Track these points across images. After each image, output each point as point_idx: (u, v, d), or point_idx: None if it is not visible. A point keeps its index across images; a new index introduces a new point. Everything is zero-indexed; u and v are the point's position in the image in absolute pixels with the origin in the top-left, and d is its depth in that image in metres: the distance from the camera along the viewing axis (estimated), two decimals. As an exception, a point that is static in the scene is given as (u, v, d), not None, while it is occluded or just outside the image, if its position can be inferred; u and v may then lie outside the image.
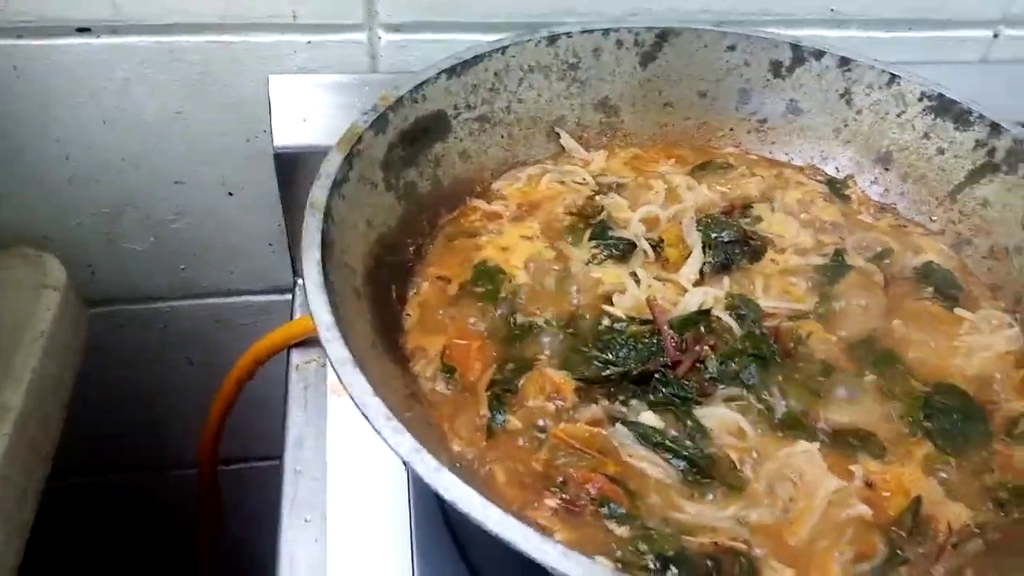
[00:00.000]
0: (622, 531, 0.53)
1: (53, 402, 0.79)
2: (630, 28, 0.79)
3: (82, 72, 0.83)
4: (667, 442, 0.57)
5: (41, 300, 0.81)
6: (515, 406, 0.60)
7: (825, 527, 0.55)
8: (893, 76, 0.79)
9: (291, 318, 0.88)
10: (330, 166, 0.61)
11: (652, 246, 0.72)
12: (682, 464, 0.57)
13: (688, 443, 0.58)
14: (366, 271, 0.62)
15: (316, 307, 0.51)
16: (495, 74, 0.75)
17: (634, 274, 0.69)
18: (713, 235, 0.72)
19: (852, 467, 0.58)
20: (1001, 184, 0.74)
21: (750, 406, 0.61)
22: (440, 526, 0.68)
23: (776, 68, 0.81)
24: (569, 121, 0.81)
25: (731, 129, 0.84)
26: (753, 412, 0.61)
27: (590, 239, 0.72)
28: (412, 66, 0.87)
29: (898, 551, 0.54)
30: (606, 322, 0.65)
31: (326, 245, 0.56)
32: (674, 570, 0.51)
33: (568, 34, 0.77)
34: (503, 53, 0.75)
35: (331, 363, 0.48)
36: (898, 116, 0.79)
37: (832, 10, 0.92)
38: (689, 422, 0.59)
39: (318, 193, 0.59)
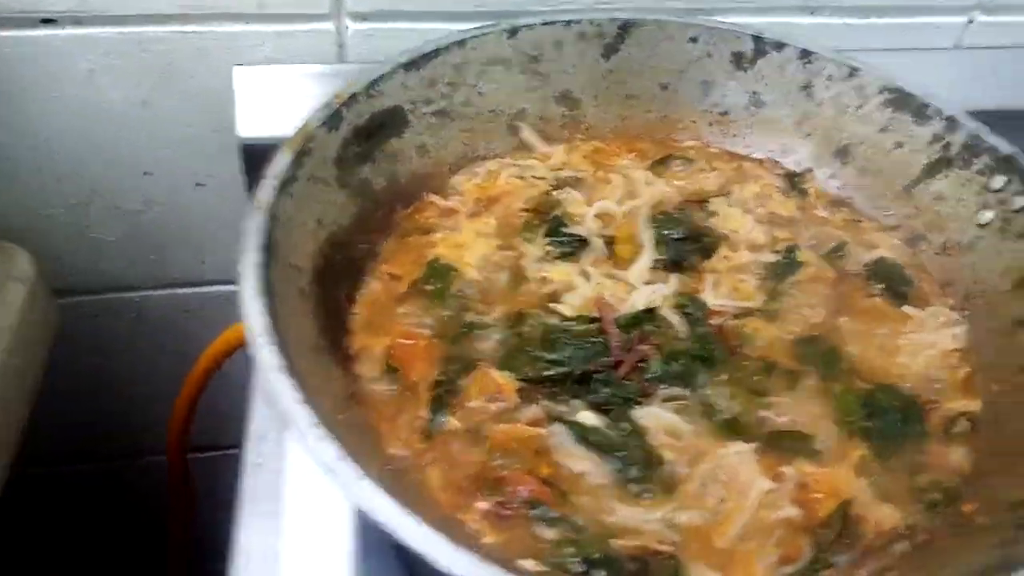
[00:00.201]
0: (551, 534, 0.53)
1: (18, 395, 0.79)
2: (592, 20, 0.78)
3: (47, 63, 0.83)
4: (603, 441, 0.57)
5: (8, 293, 0.81)
6: (456, 407, 0.59)
7: (754, 529, 0.55)
8: (853, 69, 0.77)
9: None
10: (277, 167, 0.60)
11: (605, 243, 0.71)
12: (617, 464, 0.57)
13: (624, 443, 0.58)
14: (315, 271, 0.62)
15: (250, 312, 0.51)
16: (454, 68, 0.74)
17: (585, 272, 0.69)
18: (665, 232, 0.72)
19: (785, 468, 0.58)
20: (955, 179, 0.73)
21: (690, 406, 0.61)
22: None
23: (738, 60, 0.80)
24: (530, 114, 0.80)
25: (693, 122, 0.83)
26: (693, 412, 0.61)
27: (544, 235, 0.72)
28: (380, 55, 0.85)
29: (822, 554, 0.54)
30: (554, 321, 0.65)
31: (270, 246, 0.56)
32: (600, 573, 0.51)
33: (529, 26, 0.76)
34: (462, 46, 0.74)
35: (258, 370, 0.49)
36: (858, 109, 0.78)
37: (805, -4, 0.91)
38: (626, 423, 0.59)
39: (262, 194, 0.58)
